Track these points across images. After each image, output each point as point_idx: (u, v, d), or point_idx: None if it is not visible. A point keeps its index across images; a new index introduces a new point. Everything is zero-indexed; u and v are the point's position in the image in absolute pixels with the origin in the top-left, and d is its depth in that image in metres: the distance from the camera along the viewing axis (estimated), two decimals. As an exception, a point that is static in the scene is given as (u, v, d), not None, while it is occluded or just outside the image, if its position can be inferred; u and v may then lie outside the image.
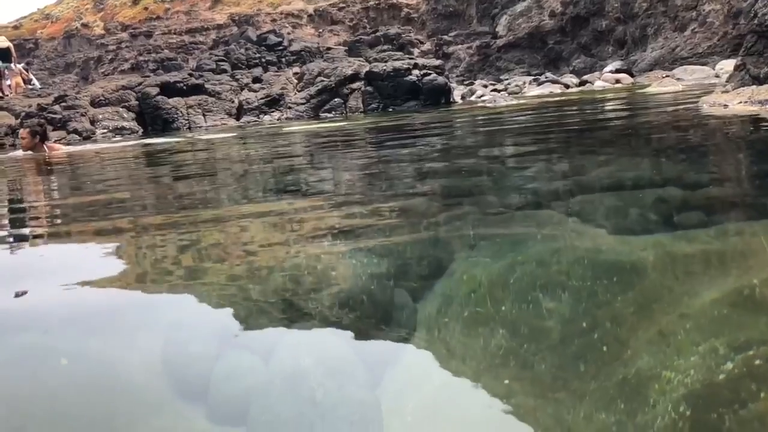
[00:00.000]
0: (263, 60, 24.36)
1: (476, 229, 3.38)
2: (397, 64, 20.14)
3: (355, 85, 20.35)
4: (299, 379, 1.86)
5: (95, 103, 20.86)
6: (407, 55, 22.37)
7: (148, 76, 22.99)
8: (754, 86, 8.36)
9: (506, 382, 1.83)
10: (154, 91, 20.96)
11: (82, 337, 2.27)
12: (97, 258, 3.37)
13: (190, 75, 22.26)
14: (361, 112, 19.84)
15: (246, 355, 2.01)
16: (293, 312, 2.44)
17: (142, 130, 20.33)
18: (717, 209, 3.37)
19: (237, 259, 3.25)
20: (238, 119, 20.85)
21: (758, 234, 2.81)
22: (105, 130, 19.96)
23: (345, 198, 4.83)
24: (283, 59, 24.31)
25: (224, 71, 23.69)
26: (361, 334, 2.15)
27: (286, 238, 3.58)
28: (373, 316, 2.28)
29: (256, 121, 20.35)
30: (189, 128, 20.13)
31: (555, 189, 4.48)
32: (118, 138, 18.90)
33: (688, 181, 4.21)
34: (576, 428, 1.65)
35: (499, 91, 23.38)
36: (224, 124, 20.41)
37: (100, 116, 20.32)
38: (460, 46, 28.54)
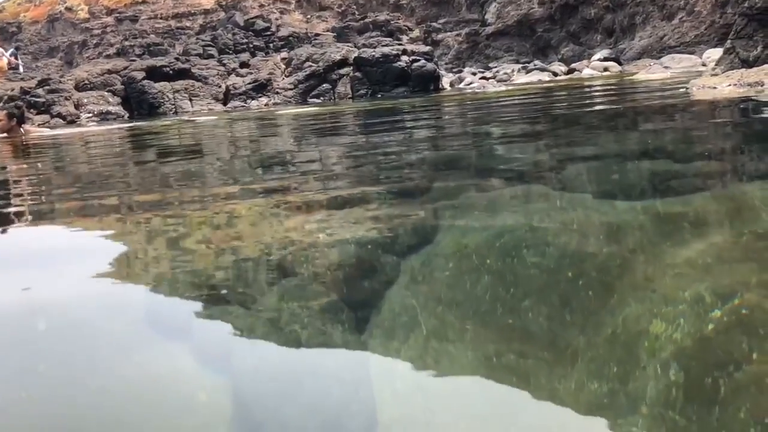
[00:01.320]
0: (251, 45, 24.16)
1: (465, 194, 3.37)
2: (386, 49, 20.03)
3: (343, 71, 20.23)
4: (284, 324, 1.83)
5: (80, 87, 20.59)
6: (396, 42, 22.27)
7: (134, 61, 22.72)
8: (743, 69, 8.39)
9: (493, 332, 1.81)
10: (140, 75, 20.72)
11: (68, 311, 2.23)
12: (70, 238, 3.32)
13: (177, 59, 22.02)
14: (349, 98, 19.74)
15: (230, 306, 1.98)
16: (280, 270, 2.41)
17: (127, 115, 20.10)
18: (701, 178, 3.39)
19: (223, 221, 3.22)
20: (225, 104, 20.67)
21: (738, 198, 2.83)
22: (90, 115, 19.71)
23: (343, 165, 4.80)
24: (271, 45, 24.12)
25: (211, 56, 23.46)
26: (348, 287, 2.12)
27: (276, 204, 3.55)
28: (360, 272, 2.26)
29: (243, 106, 20.19)
30: (175, 113, 19.94)
31: (542, 160, 4.48)
32: (92, 122, 18.69)
33: (675, 155, 4.22)
34: (567, 399, 1.63)
35: (487, 78, 23.34)
36: (211, 109, 20.24)
37: (85, 100, 20.06)
38: (448, 33, 28.42)
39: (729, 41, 9.12)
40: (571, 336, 1.68)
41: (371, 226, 2.83)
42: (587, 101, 10.36)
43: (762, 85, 7.61)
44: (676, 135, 5.15)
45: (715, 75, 8.80)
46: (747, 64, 8.67)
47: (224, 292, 2.21)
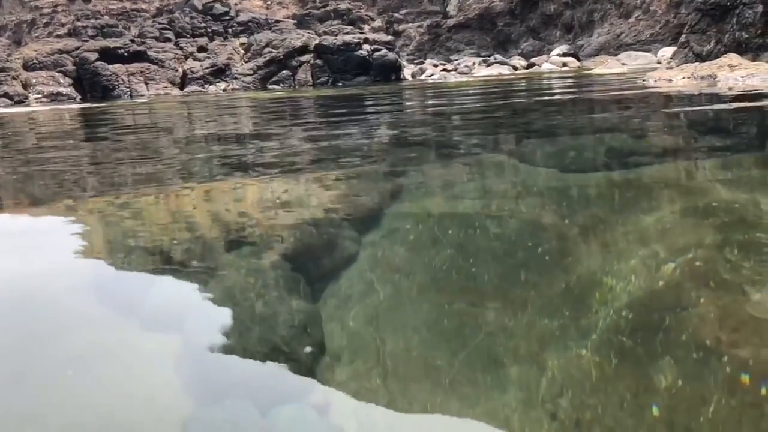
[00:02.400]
0: (209, 30, 23.63)
1: (425, 166, 3.32)
2: (348, 38, 19.87)
3: (304, 58, 19.98)
4: (239, 292, 1.75)
5: (28, 67, 19.81)
6: (358, 30, 22.11)
7: (87, 42, 21.97)
8: (696, 63, 8.58)
9: (448, 292, 1.77)
10: (93, 56, 20.04)
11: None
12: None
13: (132, 41, 21.38)
14: (310, 85, 19.52)
15: (183, 276, 1.89)
16: (236, 240, 2.31)
17: (80, 97, 19.44)
18: (653, 156, 3.43)
19: (185, 197, 3.09)
20: (182, 89, 20.19)
21: (693, 170, 2.86)
22: (39, 95, 18.99)
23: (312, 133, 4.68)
24: (230, 30, 23.64)
25: (168, 40, 22.85)
26: (306, 255, 2.05)
27: (243, 174, 3.43)
28: (319, 239, 2.19)
29: (200, 90, 19.76)
30: (130, 96, 19.39)
31: (501, 139, 4.46)
32: (41, 103, 18.02)
33: (628, 137, 4.27)
34: (518, 332, 1.60)
35: (449, 71, 23.41)
36: (167, 93, 19.74)
37: (34, 80, 19.31)
38: (410, 24, 28.40)
39: (684, 36, 9.33)
40: (524, 290, 1.64)
41: (337, 188, 2.76)
42: (546, 90, 10.46)
43: (714, 78, 7.80)
44: (630, 120, 5.21)
45: (670, 68, 8.97)
46: (700, 58, 8.88)
47: (180, 262, 2.10)
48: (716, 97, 6.63)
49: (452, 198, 2.69)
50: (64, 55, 20.33)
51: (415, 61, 26.46)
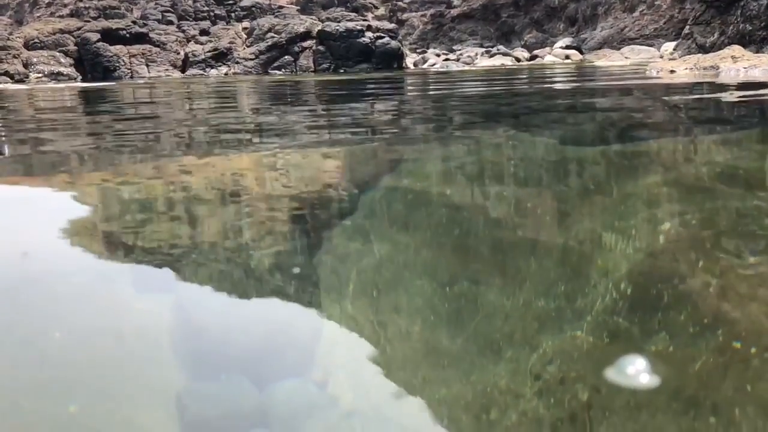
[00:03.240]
0: (212, 13, 23.52)
1: (425, 136, 3.32)
2: (351, 24, 19.79)
3: (306, 44, 19.91)
4: (230, 240, 1.76)
5: (29, 46, 19.72)
6: (361, 18, 22.02)
7: (89, 22, 21.86)
8: (699, 54, 8.57)
9: (446, 255, 1.78)
10: (95, 37, 19.96)
11: None
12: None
13: (134, 23, 21.29)
14: (311, 71, 19.47)
15: (179, 246, 1.89)
16: (232, 202, 2.32)
17: (80, 77, 19.36)
18: (653, 130, 3.44)
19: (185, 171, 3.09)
20: (183, 71, 20.13)
21: (690, 145, 2.88)
22: (40, 75, 18.92)
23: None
24: (233, 14, 23.54)
25: (170, 22, 22.76)
26: (303, 220, 2.05)
27: (251, 139, 3.43)
28: (317, 199, 2.19)
29: (202, 74, 19.70)
30: (131, 77, 19.32)
31: (502, 113, 4.47)
32: (42, 83, 17.96)
33: (628, 116, 4.27)
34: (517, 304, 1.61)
35: (451, 60, 23.34)
36: (168, 75, 19.67)
37: (35, 59, 19.23)
38: (414, 13, 28.28)
39: (687, 27, 9.32)
40: (523, 245, 1.66)
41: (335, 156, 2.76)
42: (548, 79, 10.45)
43: (716, 69, 7.79)
44: (630, 104, 5.22)
45: (673, 59, 8.96)
46: (703, 49, 8.87)
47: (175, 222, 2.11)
48: (717, 87, 6.63)
49: (450, 158, 2.69)
50: (66, 35, 20.24)
51: (418, 51, 26.37)
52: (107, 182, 2.74)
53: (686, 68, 8.38)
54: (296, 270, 1.74)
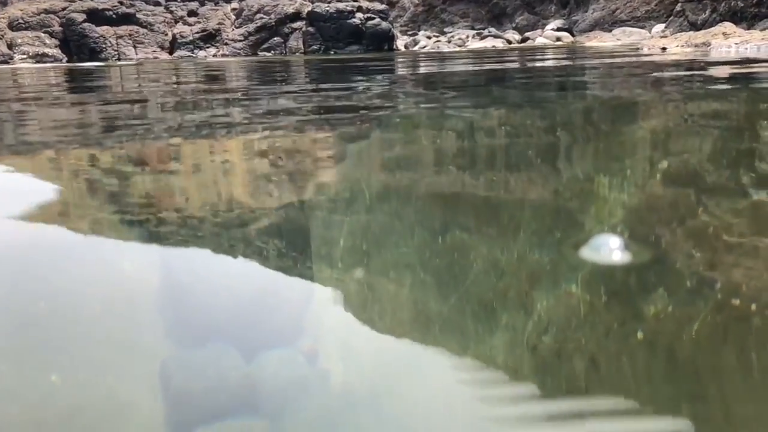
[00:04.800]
0: (200, -6, 23.17)
1: (416, 99, 3.26)
2: (341, 5, 19.59)
3: (296, 25, 19.70)
4: (215, 202, 1.70)
5: (13, 27, 19.39)
6: (351, -1, 21.78)
7: (74, 2, 21.50)
8: (691, 32, 8.52)
9: (439, 207, 1.73)
10: (81, 17, 19.64)
11: None
12: None
13: (121, 3, 20.95)
14: (301, 52, 19.28)
15: (164, 216, 1.84)
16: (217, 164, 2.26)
17: (66, 59, 19.09)
18: (645, 90, 3.40)
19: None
20: (171, 53, 19.88)
21: (680, 99, 2.84)
22: (24, 56, 18.63)
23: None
24: (222, -5, 23.19)
25: (158, 3, 22.42)
26: (288, 163, 2.00)
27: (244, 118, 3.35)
28: (308, 155, 2.14)
29: (190, 56, 19.47)
30: (118, 59, 19.07)
31: (497, 79, 4.41)
32: (26, 64, 17.69)
33: (618, 86, 4.24)
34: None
35: (442, 43, 23.18)
36: (156, 57, 19.43)
37: (19, 40, 18.92)
38: (405, -5, 27.99)
39: (679, 5, 9.27)
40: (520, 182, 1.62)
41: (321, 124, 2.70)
42: (539, 56, 10.39)
43: (708, 46, 7.76)
44: (620, 74, 5.18)
45: (665, 37, 8.92)
46: (695, 27, 8.83)
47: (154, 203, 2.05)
48: (708, 62, 6.60)
49: (443, 113, 2.64)
50: (51, 16, 19.91)
51: (409, 33, 26.17)
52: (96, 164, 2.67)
53: (678, 45, 8.34)
54: (285, 231, 1.69)
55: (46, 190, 2.06)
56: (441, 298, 1.23)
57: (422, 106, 2.81)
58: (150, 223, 1.78)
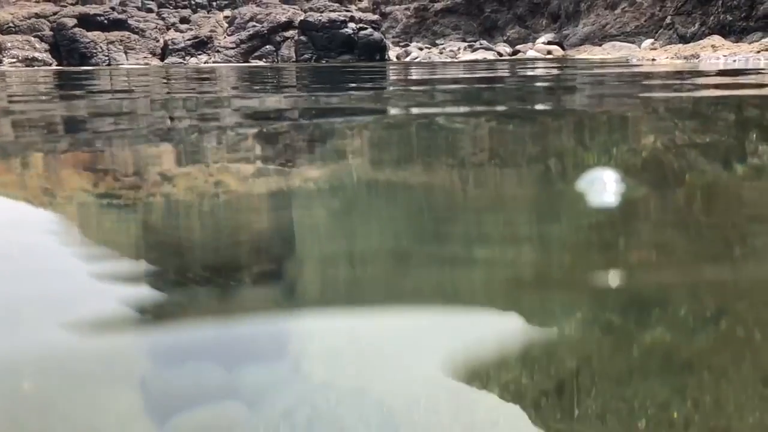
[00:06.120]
0: (193, 1, 23.18)
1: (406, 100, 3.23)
2: (333, 15, 19.66)
3: (288, 34, 19.73)
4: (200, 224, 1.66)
5: (3, 30, 19.28)
6: (344, 8, 21.87)
7: (65, 7, 21.44)
8: (680, 44, 8.59)
9: (417, 179, 1.69)
10: (72, 22, 19.57)
11: None
12: None
13: (113, 9, 20.92)
14: (293, 61, 19.29)
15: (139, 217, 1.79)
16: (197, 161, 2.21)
17: (56, 63, 18.99)
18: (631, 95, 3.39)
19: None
20: (162, 59, 19.84)
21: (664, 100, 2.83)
22: (13, 60, 18.52)
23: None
24: (214, 2, 23.23)
25: (150, 10, 22.40)
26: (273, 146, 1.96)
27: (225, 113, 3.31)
28: (290, 138, 2.10)
29: (181, 62, 19.43)
30: (109, 64, 18.99)
31: (485, 84, 4.39)
32: (16, 68, 17.58)
33: (609, 85, 4.22)
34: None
35: (434, 54, 23.29)
36: (147, 63, 19.37)
37: (9, 44, 18.81)
38: (397, 6, 28.17)
39: (669, 18, 9.35)
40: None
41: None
42: (529, 68, 10.43)
43: (697, 58, 7.81)
44: (609, 82, 5.19)
45: (654, 49, 8.98)
46: (684, 40, 8.90)
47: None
48: (696, 73, 6.64)
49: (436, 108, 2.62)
50: (41, 20, 19.82)
51: (401, 44, 26.29)
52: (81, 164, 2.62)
53: (667, 57, 8.40)
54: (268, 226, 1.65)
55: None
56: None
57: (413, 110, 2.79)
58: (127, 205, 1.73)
